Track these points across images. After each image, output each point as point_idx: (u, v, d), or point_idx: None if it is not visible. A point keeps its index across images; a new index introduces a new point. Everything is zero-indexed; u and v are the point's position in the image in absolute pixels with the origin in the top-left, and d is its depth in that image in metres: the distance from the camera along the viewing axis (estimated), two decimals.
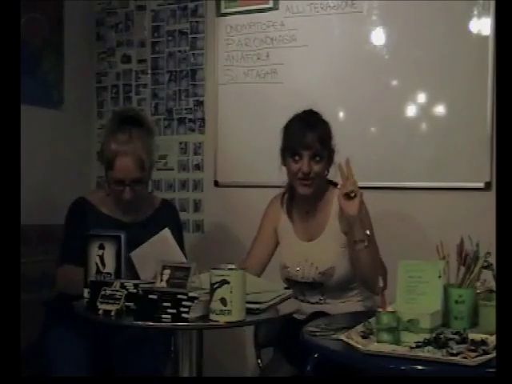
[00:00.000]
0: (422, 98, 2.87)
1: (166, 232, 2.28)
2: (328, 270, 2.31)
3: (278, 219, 2.47)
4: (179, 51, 3.39)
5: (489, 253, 1.82)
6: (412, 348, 1.57)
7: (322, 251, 2.33)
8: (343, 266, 2.31)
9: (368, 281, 2.24)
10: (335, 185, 2.35)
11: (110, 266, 2.02)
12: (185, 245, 2.65)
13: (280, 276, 2.43)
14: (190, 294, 1.71)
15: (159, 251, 2.18)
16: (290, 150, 2.33)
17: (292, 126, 2.36)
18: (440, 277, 1.80)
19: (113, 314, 1.80)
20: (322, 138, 2.30)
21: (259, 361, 2.55)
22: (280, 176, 2.41)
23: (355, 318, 1.87)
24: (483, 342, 1.55)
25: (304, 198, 2.37)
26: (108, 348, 2.35)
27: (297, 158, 2.30)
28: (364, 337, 1.67)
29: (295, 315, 2.24)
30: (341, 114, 3.03)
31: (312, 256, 2.34)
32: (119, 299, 1.81)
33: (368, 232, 2.22)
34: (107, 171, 2.42)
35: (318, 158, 2.29)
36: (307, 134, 2.28)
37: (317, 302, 2.35)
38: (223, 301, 1.69)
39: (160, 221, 2.51)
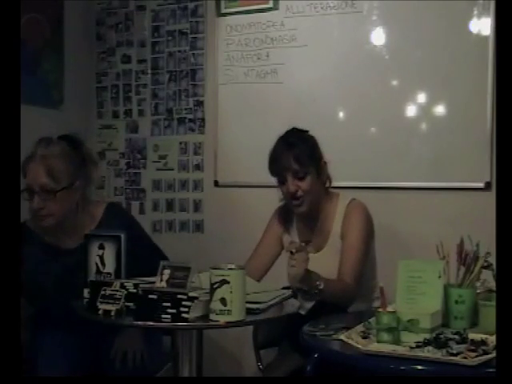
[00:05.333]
0: (421, 97, 2.87)
1: None
2: None
3: (283, 229, 2.49)
4: (179, 51, 3.39)
5: (489, 253, 1.83)
6: (412, 348, 1.57)
7: (327, 262, 2.32)
8: None
9: (339, 303, 2.24)
10: None
11: (110, 266, 2.01)
12: (152, 238, 2.49)
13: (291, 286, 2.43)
14: (190, 294, 1.71)
15: None
16: (274, 174, 2.37)
17: (273, 150, 2.39)
18: (440, 277, 1.80)
19: (113, 313, 1.80)
20: (299, 156, 2.31)
21: (259, 364, 2.54)
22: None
23: (355, 318, 1.87)
24: (483, 342, 1.55)
25: (302, 213, 2.39)
26: (99, 348, 2.33)
27: (282, 180, 2.34)
28: (364, 337, 1.67)
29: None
30: (341, 114, 3.03)
31: (318, 268, 2.32)
32: (119, 299, 1.81)
33: (321, 284, 2.09)
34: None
35: (301, 175, 2.31)
36: (283, 156, 2.32)
37: None
38: (223, 301, 1.69)
39: (108, 230, 2.23)
